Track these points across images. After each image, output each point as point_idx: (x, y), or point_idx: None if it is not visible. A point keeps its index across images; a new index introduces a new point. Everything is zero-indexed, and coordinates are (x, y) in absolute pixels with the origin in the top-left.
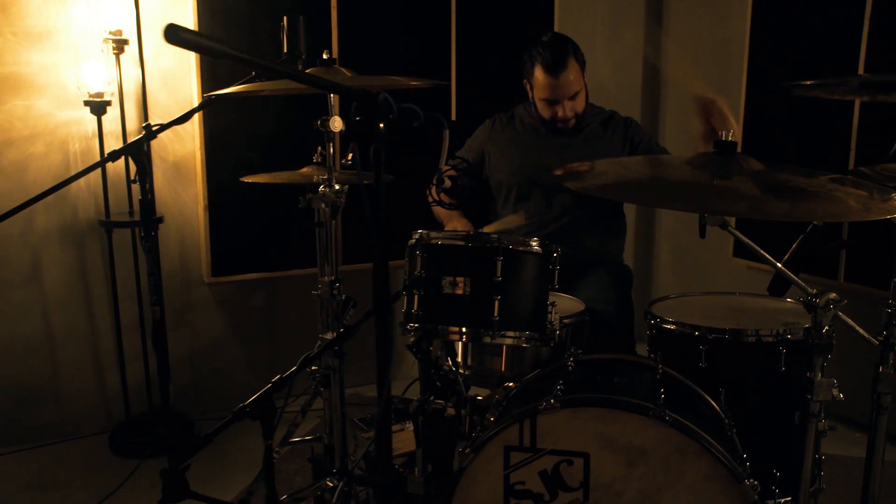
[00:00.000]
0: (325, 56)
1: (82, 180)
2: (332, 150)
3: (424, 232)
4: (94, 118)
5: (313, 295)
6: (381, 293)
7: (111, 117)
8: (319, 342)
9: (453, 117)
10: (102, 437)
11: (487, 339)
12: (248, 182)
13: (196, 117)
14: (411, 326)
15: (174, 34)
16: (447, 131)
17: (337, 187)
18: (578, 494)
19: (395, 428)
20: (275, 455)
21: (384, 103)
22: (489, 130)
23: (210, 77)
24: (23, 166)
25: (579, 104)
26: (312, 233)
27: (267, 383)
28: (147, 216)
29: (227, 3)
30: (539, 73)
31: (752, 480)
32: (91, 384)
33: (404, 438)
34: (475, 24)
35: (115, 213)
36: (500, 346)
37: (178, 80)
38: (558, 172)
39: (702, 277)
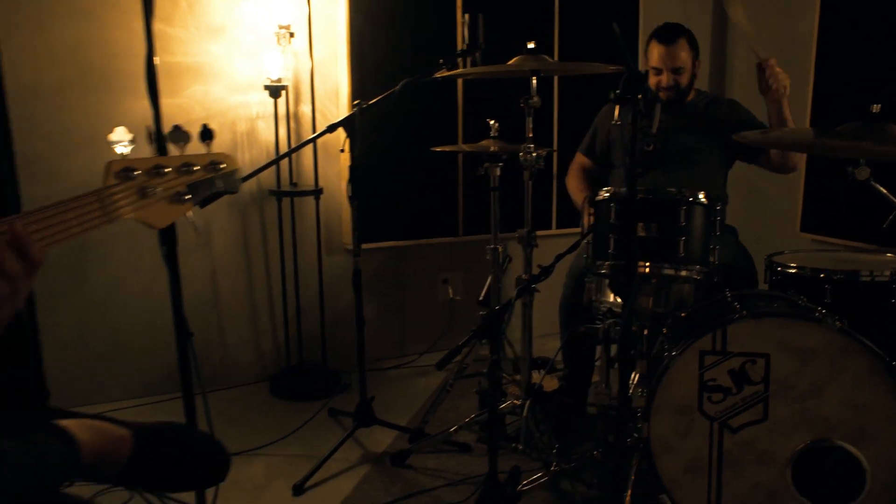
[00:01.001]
0: (529, 46)
1: (246, 155)
2: (529, 124)
3: (615, 189)
4: (258, 102)
5: (487, 250)
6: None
7: (268, 101)
8: (486, 288)
9: None
10: (262, 384)
11: (671, 272)
12: (386, 160)
13: (345, 100)
14: (605, 263)
15: None
16: (658, 105)
17: (534, 154)
18: (760, 387)
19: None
20: (448, 388)
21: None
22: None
23: (358, 68)
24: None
25: (683, 79)
26: (472, 200)
27: (396, 341)
28: (356, 181)
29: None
30: (652, 44)
31: None
32: (249, 339)
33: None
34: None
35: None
36: (653, 285)
37: (328, 70)
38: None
39: (770, 251)
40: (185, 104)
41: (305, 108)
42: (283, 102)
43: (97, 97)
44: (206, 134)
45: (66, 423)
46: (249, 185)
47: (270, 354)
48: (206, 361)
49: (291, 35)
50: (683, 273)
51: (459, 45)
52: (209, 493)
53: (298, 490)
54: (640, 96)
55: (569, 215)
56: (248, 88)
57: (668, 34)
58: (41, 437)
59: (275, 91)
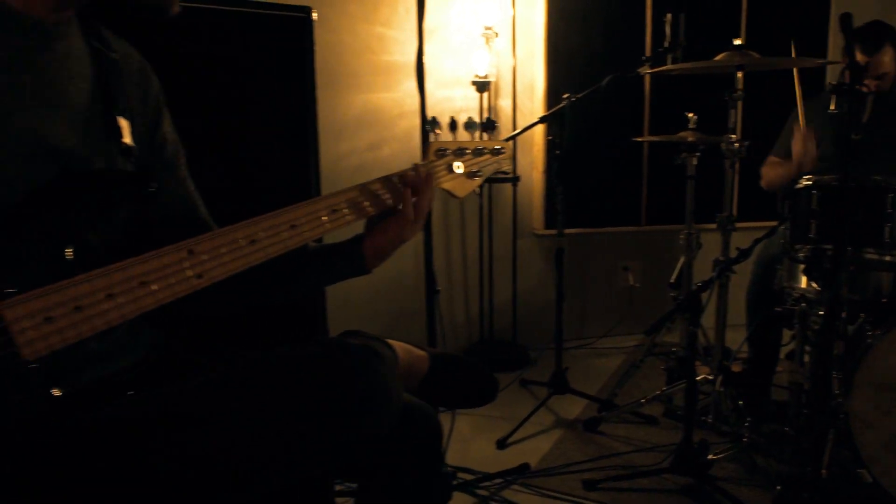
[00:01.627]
0: (736, 42)
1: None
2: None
3: (818, 177)
4: (461, 96)
5: (682, 234)
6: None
7: (470, 96)
8: (677, 271)
9: None
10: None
11: (875, 256)
12: (570, 151)
13: (540, 95)
14: (805, 248)
15: None
16: (871, 97)
17: (736, 145)
18: None
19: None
20: (637, 364)
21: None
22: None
23: (553, 64)
24: (409, 135)
25: (886, 83)
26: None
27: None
28: (561, 168)
29: (569, 1)
30: (857, 52)
31: None
32: (445, 312)
33: None
34: None
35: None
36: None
37: (525, 67)
38: None
39: None
40: (398, 98)
41: (504, 103)
42: (486, 97)
43: (326, 93)
44: (489, 125)
45: (387, 340)
46: None
47: (463, 328)
48: (404, 334)
49: (496, 35)
50: (888, 258)
51: (648, 42)
52: None
53: (501, 444)
54: (856, 87)
55: (750, 207)
56: (453, 84)
57: (872, 42)
58: (378, 344)
59: (481, 86)
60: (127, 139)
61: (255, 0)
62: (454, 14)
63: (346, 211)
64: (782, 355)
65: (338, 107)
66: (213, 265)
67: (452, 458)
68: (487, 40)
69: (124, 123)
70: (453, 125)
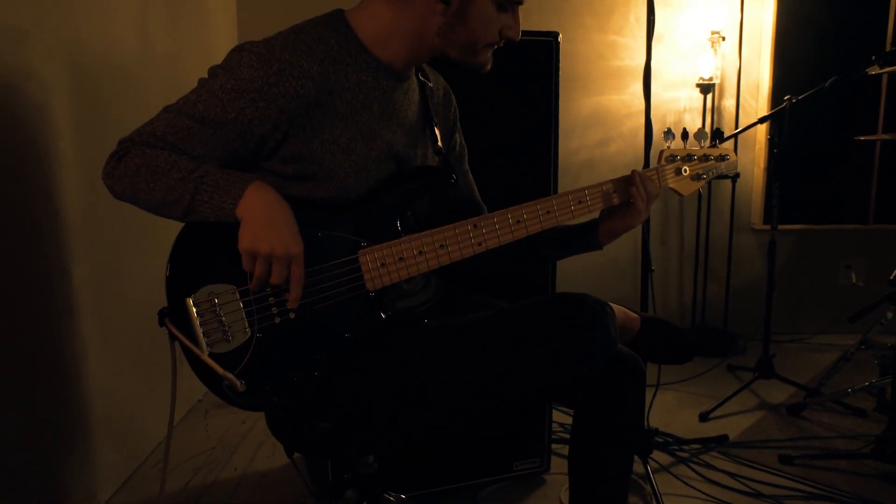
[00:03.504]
0: None
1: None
2: None
3: None
4: (686, 97)
5: None
6: None
7: (693, 97)
8: None
9: None
10: None
11: None
12: (798, 147)
13: (764, 95)
14: None
15: None
16: None
17: None
18: None
19: None
20: (848, 357)
21: None
22: None
23: (780, 65)
24: (634, 133)
25: None
26: None
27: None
28: (779, 166)
29: (802, 4)
30: None
31: None
32: (659, 301)
33: None
34: None
35: None
36: None
37: (750, 68)
38: None
39: None
40: (626, 99)
41: (727, 103)
42: (710, 98)
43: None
44: (717, 135)
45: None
46: None
47: (676, 314)
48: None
49: (722, 38)
50: None
51: (889, 40)
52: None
53: (704, 418)
54: None
55: None
56: (679, 86)
57: None
58: (595, 302)
59: (705, 88)
60: (440, 143)
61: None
62: (682, 20)
63: (589, 201)
64: None
65: (571, 108)
66: (490, 236)
67: (656, 423)
68: (713, 44)
69: (438, 132)
70: (685, 134)
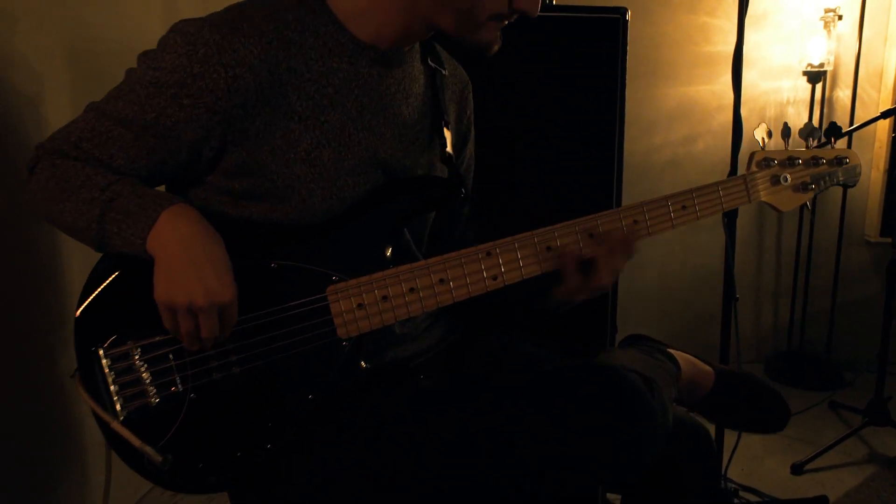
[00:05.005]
0: None
1: (771, 142)
2: None
3: None
4: (790, 87)
5: None
6: None
7: (799, 87)
8: None
9: None
10: (755, 364)
11: None
12: None
13: (889, 84)
14: None
15: None
16: None
17: None
18: None
19: None
20: None
21: None
22: None
23: None
24: (726, 129)
25: None
26: None
27: None
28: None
29: None
30: None
31: None
32: (749, 319)
33: None
34: None
35: None
36: None
37: (872, 52)
38: None
39: None
40: (718, 90)
41: (842, 94)
42: (819, 88)
43: (643, 84)
44: (833, 131)
45: (670, 350)
46: None
47: (768, 336)
48: (702, 334)
49: (839, 18)
50: None
51: None
52: None
53: (797, 470)
54: None
55: None
56: (781, 74)
57: None
58: (662, 358)
59: (814, 76)
60: (449, 148)
61: (573, 5)
62: None
63: (698, 209)
64: None
65: (651, 99)
66: (510, 267)
67: (738, 474)
68: (826, 24)
69: (447, 134)
70: (786, 132)
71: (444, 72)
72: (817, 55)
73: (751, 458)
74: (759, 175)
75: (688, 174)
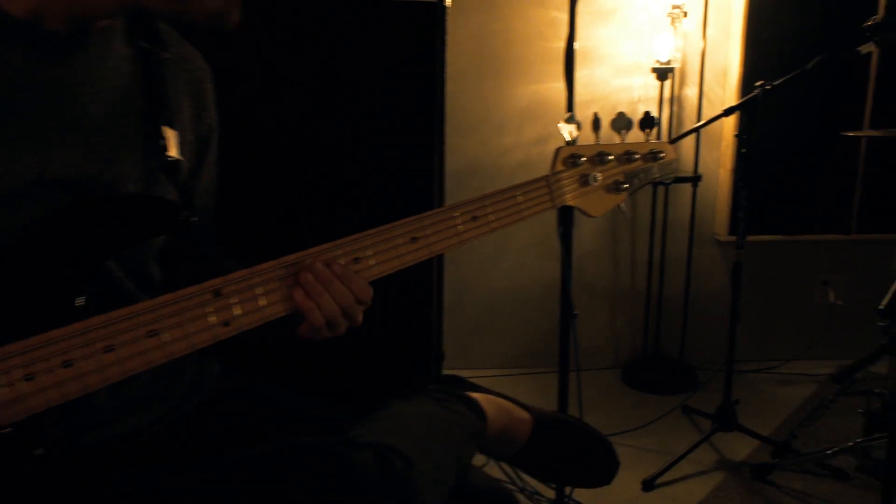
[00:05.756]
0: None
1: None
2: None
3: None
4: (640, 85)
5: None
6: None
7: (649, 84)
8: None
9: None
10: (614, 371)
11: None
12: (768, 146)
13: (733, 82)
14: None
15: None
16: None
17: None
18: None
19: None
20: (827, 404)
21: None
22: None
23: (753, 46)
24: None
25: None
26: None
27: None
28: (748, 169)
29: None
30: None
31: None
32: (605, 324)
33: None
34: None
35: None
36: None
37: (717, 50)
38: None
39: None
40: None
41: (689, 91)
42: (668, 85)
43: (491, 83)
44: (648, 122)
45: (477, 396)
46: None
47: (626, 342)
48: (539, 355)
49: (685, 15)
50: None
51: (881, 11)
52: None
53: (648, 486)
54: None
55: None
56: (631, 71)
57: None
58: (461, 409)
59: (662, 74)
60: (172, 151)
61: None
62: None
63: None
64: None
65: (502, 98)
66: (249, 308)
67: (586, 494)
68: (673, 20)
69: (170, 134)
70: (597, 124)
71: (165, 55)
72: (665, 52)
73: None
74: (564, 175)
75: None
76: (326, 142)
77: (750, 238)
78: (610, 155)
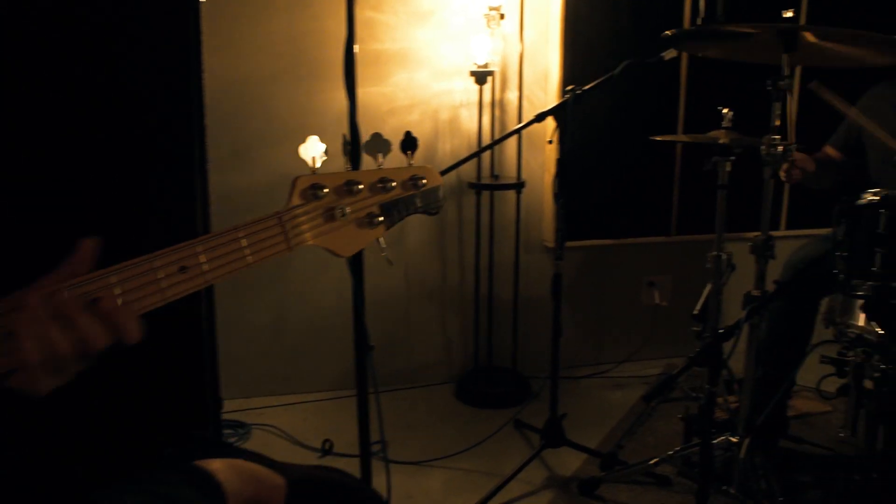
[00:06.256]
0: (787, 14)
1: (447, 145)
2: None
3: (887, 191)
4: (462, 89)
5: (709, 257)
6: None
7: (471, 88)
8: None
9: None
10: (448, 386)
11: None
12: (592, 150)
13: (554, 86)
14: (866, 283)
15: None
16: None
17: (780, 148)
18: None
19: None
20: (649, 413)
21: None
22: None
23: (571, 50)
24: (398, 133)
25: None
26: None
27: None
28: (563, 176)
29: None
30: None
31: None
32: (437, 339)
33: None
34: None
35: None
36: None
37: (537, 54)
38: None
39: None
40: (388, 92)
41: (511, 95)
42: (489, 89)
43: (307, 87)
44: (409, 143)
45: (216, 466)
46: (448, 178)
47: (459, 355)
48: (390, 359)
49: (502, 17)
50: None
51: (687, 20)
52: None
53: None
54: None
55: (802, 214)
56: (452, 75)
57: None
58: (185, 492)
59: (481, 77)
60: None
61: None
62: None
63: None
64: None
65: (320, 102)
66: None
67: None
68: (489, 22)
69: None
70: (409, 143)
71: None
72: (482, 55)
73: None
74: (302, 210)
75: None
76: (58, 154)
77: (577, 243)
78: (359, 184)
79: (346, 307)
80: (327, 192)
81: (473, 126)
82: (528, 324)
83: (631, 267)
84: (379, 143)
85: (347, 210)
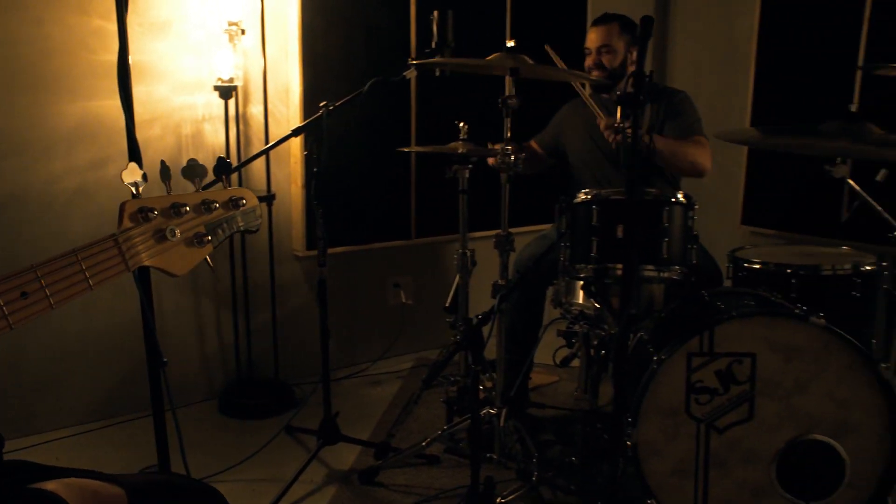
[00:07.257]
0: (509, 44)
1: (200, 158)
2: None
3: (596, 190)
4: (204, 103)
5: (456, 256)
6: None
7: (214, 102)
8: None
9: None
10: (210, 402)
11: (654, 274)
12: (334, 163)
13: (296, 101)
14: (587, 267)
15: None
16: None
17: (512, 158)
18: (746, 387)
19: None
20: (416, 401)
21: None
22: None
23: (310, 66)
24: (143, 148)
25: (606, 60)
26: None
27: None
28: (321, 186)
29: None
30: (588, 29)
31: (884, 365)
32: (195, 354)
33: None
34: None
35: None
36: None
37: (278, 69)
38: None
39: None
40: None
41: (255, 110)
42: (233, 104)
43: (29, 99)
44: (223, 168)
45: (53, 486)
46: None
47: (218, 370)
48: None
49: (243, 32)
50: (666, 275)
51: (413, 42)
52: None
53: None
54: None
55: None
56: (193, 89)
57: (601, 16)
58: None
59: (225, 92)
60: None
61: None
62: (193, 6)
63: None
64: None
65: (45, 117)
66: None
67: None
68: (231, 38)
69: None
70: (166, 173)
71: None
72: (226, 70)
73: None
74: (135, 231)
75: (102, 204)
76: None
77: (330, 250)
78: (185, 206)
79: (96, 336)
80: (156, 215)
81: (218, 140)
82: (287, 333)
83: (377, 270)
84: (195, 169)
85: (177, 231)
